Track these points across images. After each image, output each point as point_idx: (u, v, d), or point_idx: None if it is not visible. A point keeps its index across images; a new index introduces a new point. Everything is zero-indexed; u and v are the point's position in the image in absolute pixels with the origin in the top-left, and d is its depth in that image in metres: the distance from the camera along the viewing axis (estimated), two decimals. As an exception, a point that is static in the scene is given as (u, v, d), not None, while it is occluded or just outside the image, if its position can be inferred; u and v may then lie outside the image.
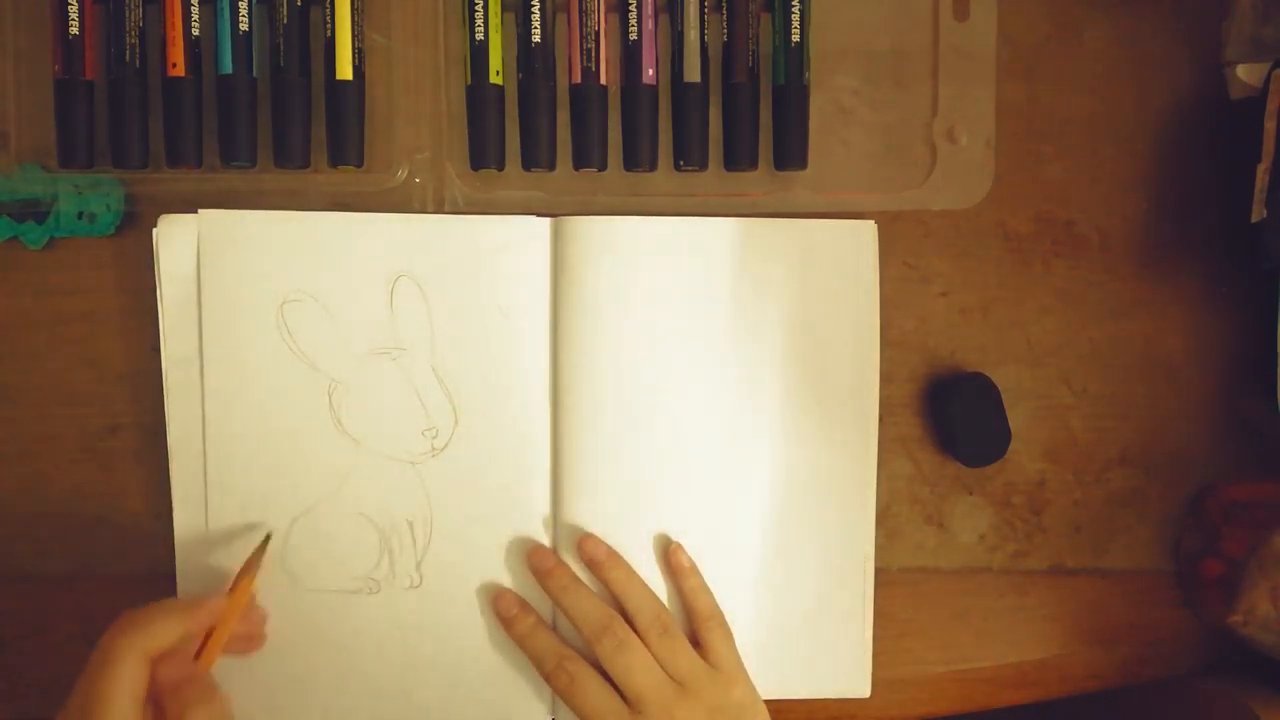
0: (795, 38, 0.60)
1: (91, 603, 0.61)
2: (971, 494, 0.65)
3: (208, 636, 0.53)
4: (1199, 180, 0.65)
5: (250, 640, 0.58)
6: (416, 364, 0.59)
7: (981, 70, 0.62)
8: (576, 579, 0.59)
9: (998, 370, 0.64)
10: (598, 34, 0.59)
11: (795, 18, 0.60)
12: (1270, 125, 0.60)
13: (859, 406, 0.62)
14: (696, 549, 0.60)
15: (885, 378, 0.62)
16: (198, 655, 0.52)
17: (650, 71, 0.60)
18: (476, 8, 0.59)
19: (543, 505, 0.60)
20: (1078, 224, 0.65)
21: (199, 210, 0.58)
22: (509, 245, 0.60)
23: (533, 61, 0.59)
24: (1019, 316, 0.65)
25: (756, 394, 0.61)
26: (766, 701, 0.59)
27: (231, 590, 0.55)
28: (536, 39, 0.59)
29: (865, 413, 0.62)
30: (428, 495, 0.60)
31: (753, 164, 0.61)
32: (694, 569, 0.60)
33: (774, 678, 0.61)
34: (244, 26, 0.57)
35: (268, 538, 0.58)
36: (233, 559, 0.58)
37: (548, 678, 0.58)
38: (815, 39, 0.61)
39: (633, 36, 0.60)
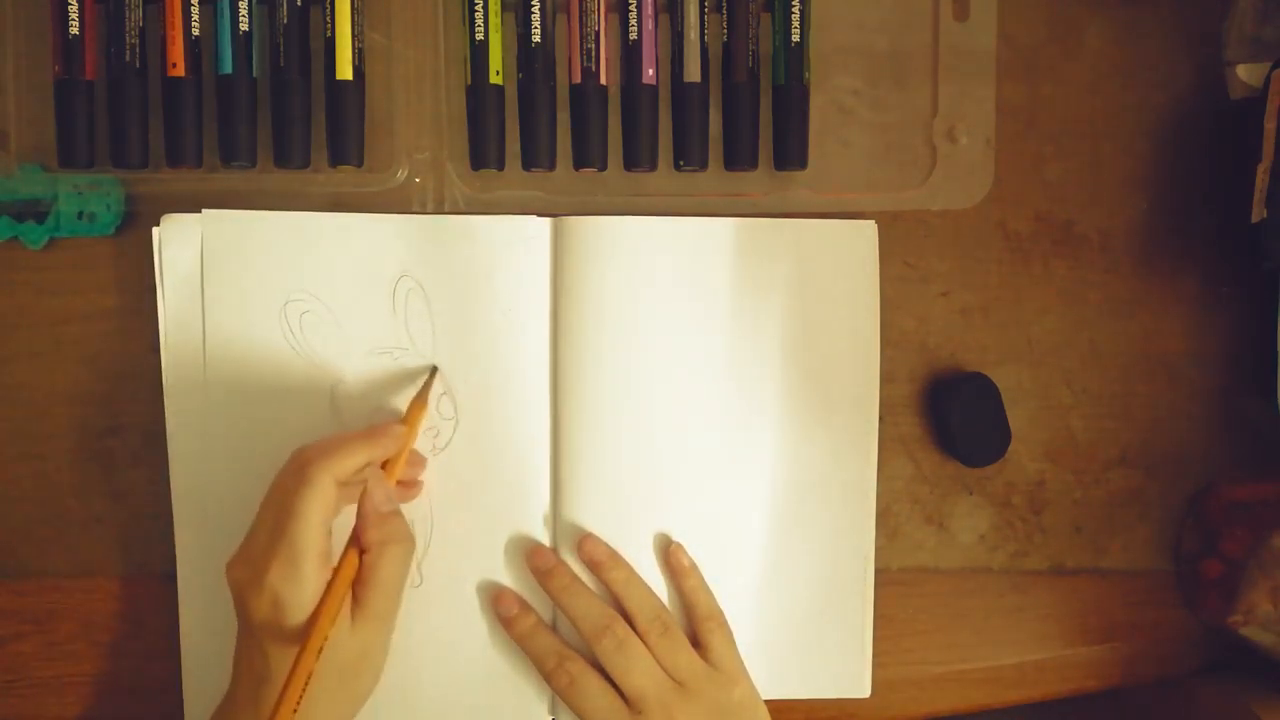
0: (795, 38, 0.60)
1: (91, 603, 0.61)
2: (971, 494, 0.65)
3: (386, 467, 0.54)
4: (1199, 180, 0.65)
5: (411, 486, 0.59)
6: (418, 364, 0.59)
7: (981, 70, 0.62)
8: (577, 579, 0.59)
9: (998, 370, 0.64)
10: (598, 34, 0.59)
11: (795, 18, 0.60)
12: (1270, 125, 0.60)
13: (859, 406, 0.62)
14: (696, 549, 0.60)
15: (885, 378, 0.62)
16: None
17: (650, 71, 0.60)
18: (476, 8, 0.59)
19: (543, 505, 0.60)
20: (1078, 224, 0.65)
21: (202, 210, 0.58)
22: (509, 245, 0.60)
23: (533, 61, 0.59)
24: (1019, 316, 0.65)
25: (756, 394, 0.61)
26: (766, 701, 0.59)
27: (405, 420, 0.56)
28: (536, 39, 0.59)
29: (865, 413, 0.62)
30: (428, 495, 0.60)
31: (753, 164, 0.61)
32: (694, 569, 0.60)
33: (774, 678, 0.61)
34: (244, 26, 0.57)
35: (434, 370, 0.59)
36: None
37: (548, 678, 0.58)
38: (815, 39, 0.61)
39: (633, 36, 0.60)
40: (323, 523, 0.50)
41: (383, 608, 0.51)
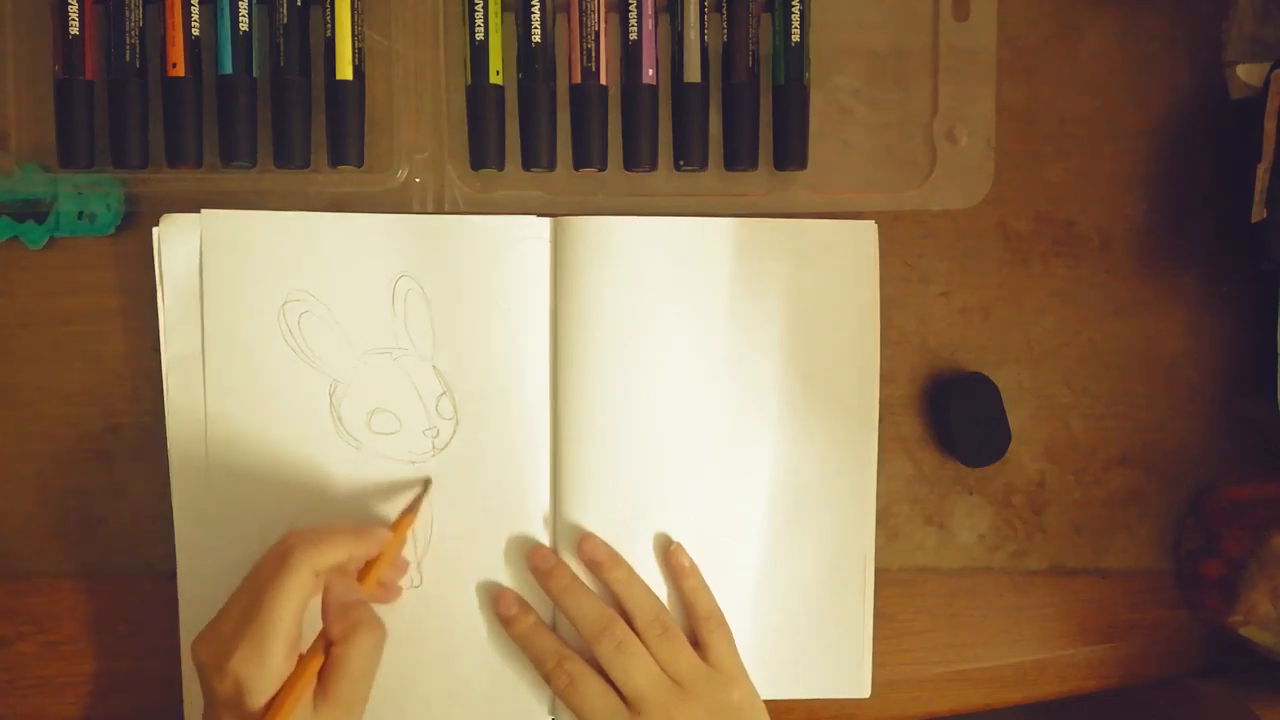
0: (795, 38, 0.60)
1: (91, 602, 0.61)
2: (971, 494, 0.65)
3: (367, 567, 0.55)
4: (1199, 180, 0.65)
5: (389, 590, 0.59)
6: (417, 364, 0.59)
7: (981, 70, 0.62)
8: (576, 579, 0.59)
9: (998, 370, 0.64)
10: (598, 34, 0.59)
11: (795, 18, 0.60)
12: (1270, 125, 0.60)
13: (859, 406, 0.62)
14: (696, 549, 0.60)
15: (885, 378, 0.62)
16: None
17: (650, 71, 0.60)
18: (476, 8, 0.59)
19: (543, 505, 0.60)
20: (1078, 224, 0.65)
21: (201, 210, 0.58)
22: (509, 245, 0.60)
23: (533, 61, 0.59)
24: (1019, 316, 0.65)
25: (757, 394, 0.61)
26: (766, 701, 0.59)
27: (395, 525, 0.57)
28: (536, 39, 0.59)
29: (865, 413, 0.62)
30: (428, 495, 0.60)
31: (753, 164, 0.61)
32: (694, 569, 0.60)
33: (774, 678, 0.61)
34: (244, 26, 0.57)
35: (428, 481, 0.59)
36: (232, 558, 0.58)
37: (547, 678, 0.58)
38: (815, 39, 0.61)
39: (633, 36, 0.60)
40: (295, 611, 0.50)
41: (349, 696, 0.51)
